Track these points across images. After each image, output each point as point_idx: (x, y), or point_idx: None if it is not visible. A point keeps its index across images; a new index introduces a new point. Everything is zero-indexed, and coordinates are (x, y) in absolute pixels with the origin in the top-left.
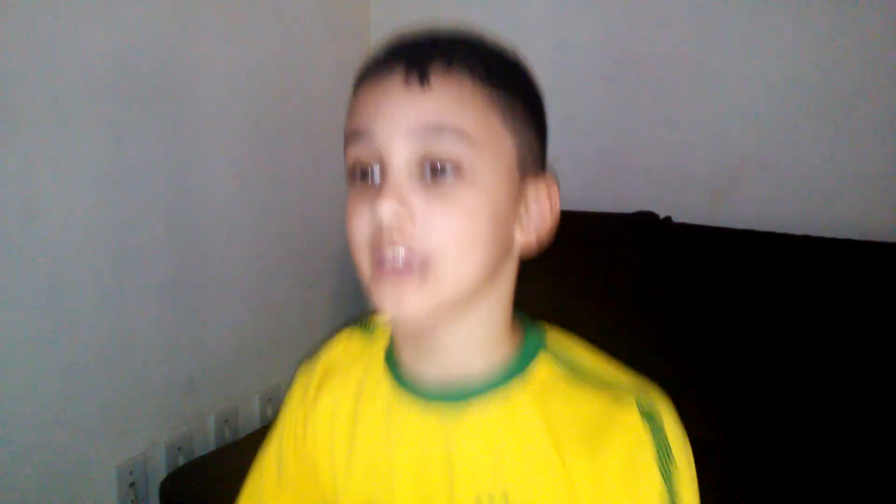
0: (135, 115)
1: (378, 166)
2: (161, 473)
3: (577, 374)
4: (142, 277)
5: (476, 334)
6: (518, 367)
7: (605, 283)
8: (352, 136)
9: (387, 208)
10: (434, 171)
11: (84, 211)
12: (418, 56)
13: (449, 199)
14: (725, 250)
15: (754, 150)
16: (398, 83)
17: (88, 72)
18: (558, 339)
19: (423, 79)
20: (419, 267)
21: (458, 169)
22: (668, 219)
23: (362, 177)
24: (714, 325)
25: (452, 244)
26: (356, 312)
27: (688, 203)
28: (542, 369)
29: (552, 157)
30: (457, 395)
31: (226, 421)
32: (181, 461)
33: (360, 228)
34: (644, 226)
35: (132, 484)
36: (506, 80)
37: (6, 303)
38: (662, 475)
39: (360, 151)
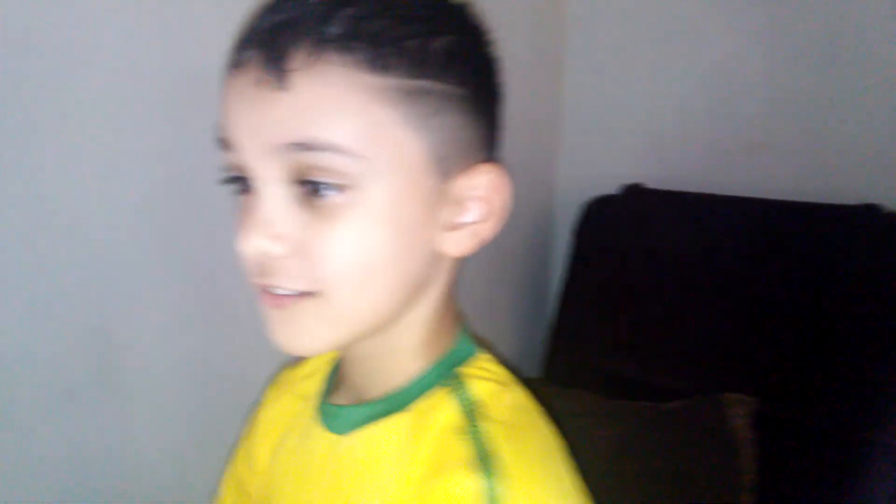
0: None
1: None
2: None
3: (464, 409)
4: None
5: (382, 364)
6: (408, 397)
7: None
8: (218, 142)
9: (250, 246)
10: (311, 191)
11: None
12: (275, 39)
13: (333, 222)
14: None
15: None
16: (250, 80)
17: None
18: (471, 371)
19: (280, 75)
20: (311, 299)
21: (340, 187)
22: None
23: (241, 191)
24: None
25: (344, 276)
26: None
27: None
28: (433, 401)
29: (758, 143)
30: (345, 423)
31: None
32: None
33: (243, 257)
34: (866, 219)
35: None
36: (411, 58)
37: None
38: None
39: (229, 161)
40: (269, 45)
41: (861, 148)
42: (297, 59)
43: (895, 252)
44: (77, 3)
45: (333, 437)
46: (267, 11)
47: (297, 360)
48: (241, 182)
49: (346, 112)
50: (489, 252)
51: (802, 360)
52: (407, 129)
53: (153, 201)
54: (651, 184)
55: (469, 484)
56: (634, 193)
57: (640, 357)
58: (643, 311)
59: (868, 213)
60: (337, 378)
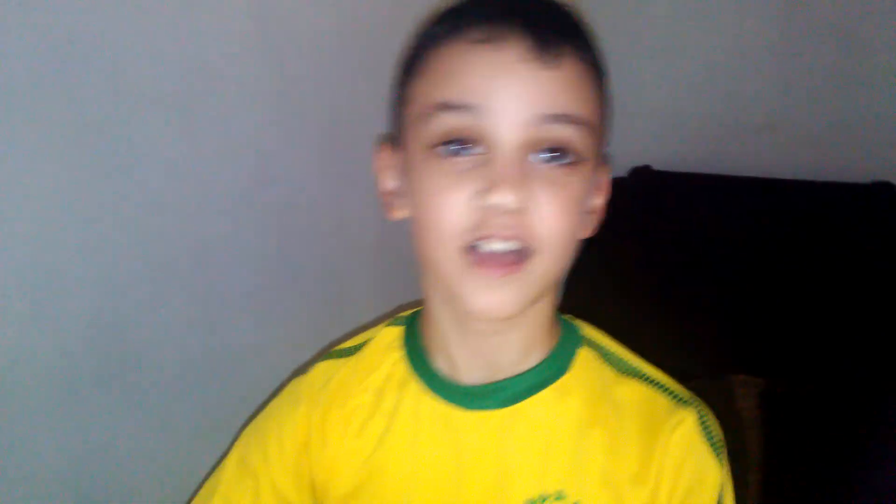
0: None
1: (482, 146)
2: None
3: (619, 367)
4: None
5: (531, 332)
6: (562, 362)
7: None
8: (452, 107)
9: (511, 199)
10: (549, 158)
11: (307, 179)
12: (542, 25)
13: (559, 190)
14: None
15: None
16: (521, 56)
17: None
18: (592, 333)
19: (553, 55)
20: (520, 261)
21: (575, 159)
22: None
23: (453, 153)
24: None
25: (556, 238)
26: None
27: None
28: (584, 363)
29: (769, 123)
30: (507, 397)
31: None
32: None
33: (454, 213)
34: (881, 197)
35: None
36: (602, 60)
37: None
38: (720, 475)
39: (458, 125)
40: (536, 29)
41: (874, 126)
42: (563, 46)
43: None
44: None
45: (483, 413)
46: (522, 5)
47: (304, 369)
48: (457, 143)
49: (593, 95)
50: None
51: (813, 339)
52: (604, 116)
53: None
54: (659, 166)
55: (689, 418)
56: (643, 176)
57: (647, 340)
58: (651, 294)
59: (882, 191)
60: (426, 364)
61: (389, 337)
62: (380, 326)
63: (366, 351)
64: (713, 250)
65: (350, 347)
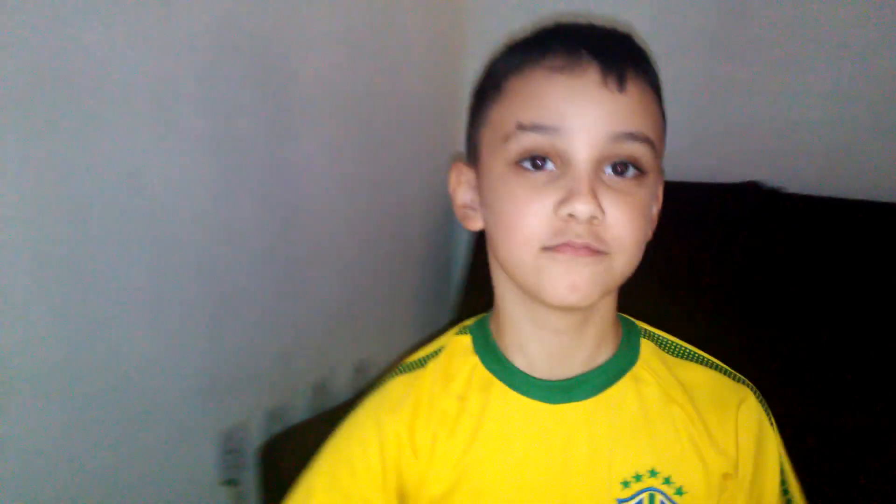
0: (234, 89)
1: (558, 161)
2: (258, 440)
3: (676, 353)
4: (241, 249)
5: (601, 328)
6: (632, 353)
7: (705, 258)
8: (533, 127)
9: (587, 209)
10: (616, 171)
11: (187, 184)
12: (613, 54)
13: (628, 199)
14: (840, 221)
15: (870, 115)
16: (595, 82)
17: (188, 45)
18: (644, 325)
19: (622, 81)
20: (601, 258)
21: (640, 172)
22: (775, 189)
23: (533, 166)
24: (826, 302)
25: (628, 243)
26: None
27: (798, 173)
28: (648, 352)
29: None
30: (590, 388)
31: (318, 390)
32: (277, 429)
33: (536, 219)
34: (748, 196)
35: (231, 450)
36: (660, 82)
37: (114, 269)
38: (778, 442)
39: (540, 143)
40: (609, 59)
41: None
42: (630, 72)
43: None
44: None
45: (569, 406)
46: (582, 32)
47: (378, 386)
48: (537, 161)
49: (653, 115)
50: (391, 243)
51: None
52: (664, 134)
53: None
54: None
55: (750, 394)
56: None
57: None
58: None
59: (750, 191)
60: (505, 365)
61: (461, 345)
62: (447, 336)
63: (441, 360)
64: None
65: (421, 359)
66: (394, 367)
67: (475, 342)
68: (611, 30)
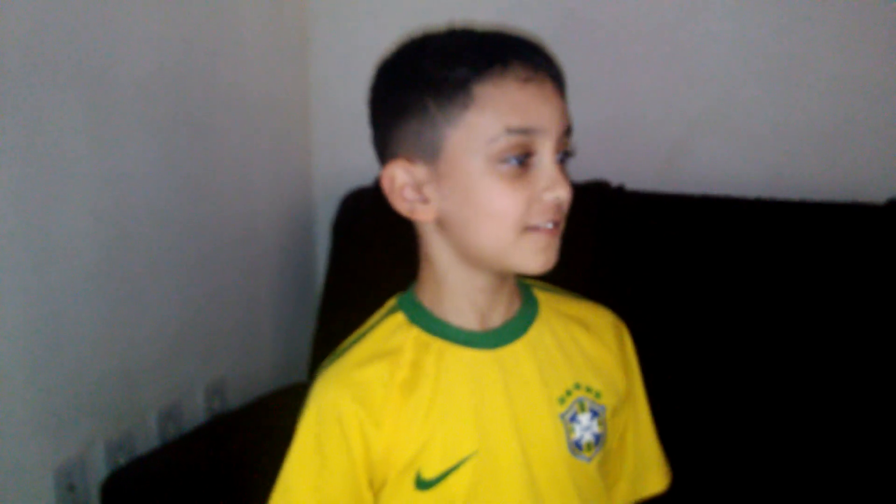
0: (49, 96)
1: (534, 156)
2: (101, 473)
3: (558, 294)
4: (67, 268)
5: (512, 286)
6: (533, 301)
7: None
8: (520, 130)
9: (568, 194)
10: (561, 158)
11: None
12: (555, 65)
13: (565, 177)
14: (680, 217)
15: (705, 111)
16: (552, 89)
17: None
18: (526, 280)
19: (563, 88)
20: (557, 229)
21: (569, 156)
22: (620, 187)
23: (516, 163)
24: (675, 297)
25: (567, 214)
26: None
27: (640, 170)
28: (541, 297)
29: None
30: (516, 331)
31: (168, 416)
32: (122, 461)
33: (520, 202)
34: (596, 196)
35: (71, 487)
36: None
37: None
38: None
39: (525, 143)
40: (552, 68)
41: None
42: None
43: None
44: None
45: (505, 349)
46: (524, 41)
47: (317, 379)
48: (520, 157)
49: None
50: (240, 253)
51: None
52: None
53: None
54: None
55: (622, 323)
56: None
57: None
58: None
59: (595, 189)
60: (446, 329)
61: (395, 321)
62: (372, 320)
63: (376, 336)
64: None
65: (354, 339)
66: (325, 361)
67: (410, 317)
68: (538, 41)
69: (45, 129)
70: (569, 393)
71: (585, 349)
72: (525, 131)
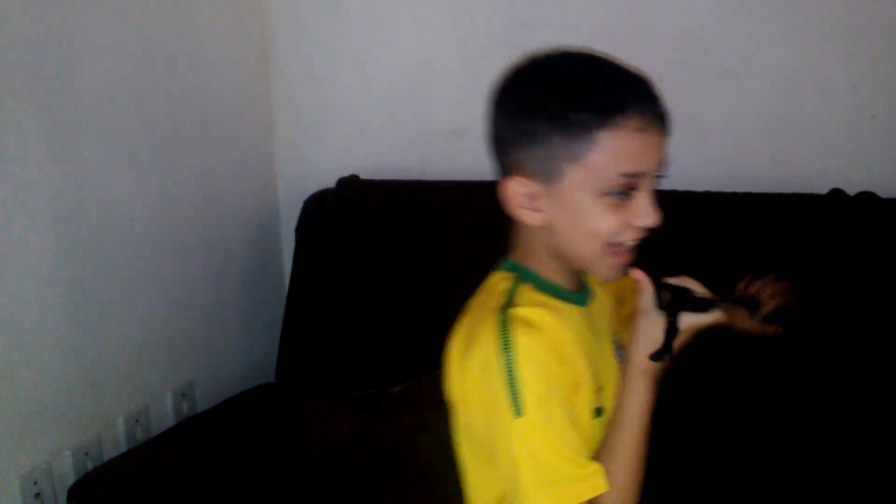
0: (6, 104)
1: (634, 190)
2: (69, 480)
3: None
4: (27, 276)
5: None
6: (586, 280)
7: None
8: (630, 175)
9: (658, 220)
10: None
11: None
12: (666, 112)
13: None
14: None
15: None
16: (661, 135)
17: None
18: None
19: (669, 128)
20: (634, 253)
21: None
22: None
23: (621, 194)
24: None
25: None
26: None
27: None
28: (587, 278)
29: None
30: (589, 296)
31: (136, 421)
32: (89, 466)
33: (615, 225)
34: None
35: (38, 494)
36: None
37: None
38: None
39: (631, 184)
40: (662, 113)
41: None
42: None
43: None
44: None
45: (588, 306)
46: (645, 85)
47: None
48: (624, 191)
49: None
50: (207, 255)
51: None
52: None
53: None
54: (368, 175)
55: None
56: (349, 186)
57: (373, 346)
58: (370, 301)
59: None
60: (557, 293)
61: (527, 288)
62: (501, 292)
63: (520, 297)
64: (420, 252)
65: (507, 301)
66: (489, 310)
67: (535, 287)
68: (649, 80)
69: (2, 137)
70: (616, 341)
71: (613, 311)
72: (635, 175)
